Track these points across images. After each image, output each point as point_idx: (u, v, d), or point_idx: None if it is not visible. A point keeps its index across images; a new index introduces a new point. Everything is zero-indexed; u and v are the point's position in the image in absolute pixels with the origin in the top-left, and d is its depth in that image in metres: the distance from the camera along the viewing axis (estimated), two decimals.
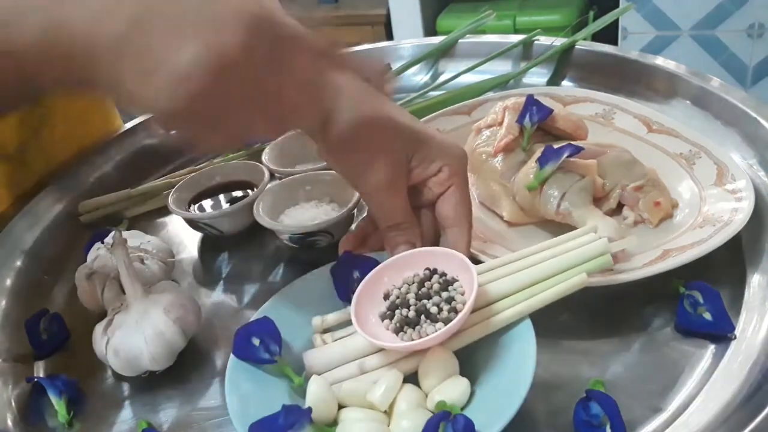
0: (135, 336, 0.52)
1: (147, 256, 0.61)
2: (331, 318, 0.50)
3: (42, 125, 0.78)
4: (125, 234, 0.62)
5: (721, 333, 0.50)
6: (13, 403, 0.55)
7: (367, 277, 0.50)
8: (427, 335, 0.44)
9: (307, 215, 0.65)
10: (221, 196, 0.72)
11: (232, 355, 0.48)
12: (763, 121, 0.65)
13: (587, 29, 0.90)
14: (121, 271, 0.53)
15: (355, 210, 0.63)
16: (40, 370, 0.58)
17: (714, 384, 0.46)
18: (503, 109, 0.66)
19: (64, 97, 0.79)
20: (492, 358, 0.45)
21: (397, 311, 0.46)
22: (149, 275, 0.59)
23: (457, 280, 0.47)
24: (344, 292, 0.51)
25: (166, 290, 0.55)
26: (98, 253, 0.61)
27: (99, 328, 0.54)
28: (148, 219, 0.75)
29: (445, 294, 0.46)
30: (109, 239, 0.61)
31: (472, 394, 0.44)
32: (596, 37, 0.94)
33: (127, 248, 0.54)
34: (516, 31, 1.94)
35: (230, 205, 0.67)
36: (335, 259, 0.53)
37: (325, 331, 0.50)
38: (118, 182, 0.80)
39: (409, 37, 2.07)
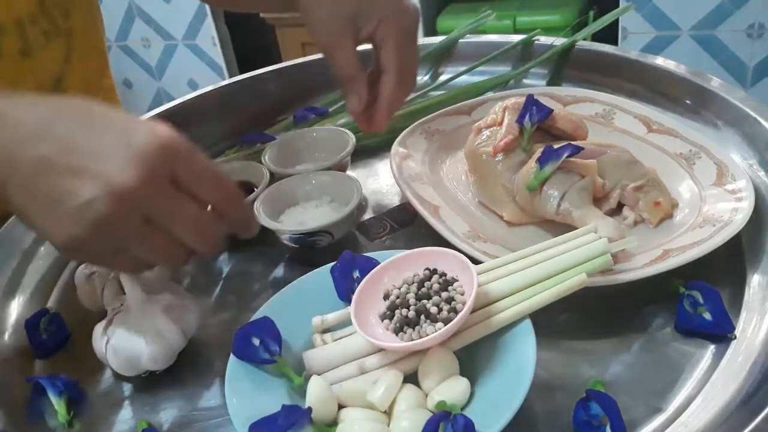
0: (135, 336, 0.52)
1: None
2: (331, 318, 0.50)
3: None
4: None
5: (721, 333, 0.50)
6: (13, 403, 0.55)
7: (367, 277, 0.50)
8: (427, 335, 0.44)
9: (308, 215, 0.65)
10: None
11: (232, 355, 0.48)
12: (763, 121, 0.65)
13: (587, 29, 0.90)
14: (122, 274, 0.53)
15: (356, 210, 0.63)
16: (40, 370, 0.58)
17: (714, 384, 0.46)
18: (503, 109, 0.66)
19: (77, 83, 0.80)
20: (492, 358, 0.45)
21: (397, 311, 0.46)
22: (150, 277, 0.59)
23: (456, 280, 0.47)
24: (344, 292, 0.51)
25: (166, 290, 0.55)
26: None
27: (99, 328, 0.54)
28: None
29: (444, 294, 0.46)
30: None
31: (472, 394, 0.44)
32: (596, 37, 0.94)
33: None
34: (516, 31, 1.94)
35: None
36: (335, 259, 0.53)
37: (325, 331, 0.50)
38: None
39: None
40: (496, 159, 0.63)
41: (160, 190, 0.43)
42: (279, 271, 0.65)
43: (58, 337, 0.60)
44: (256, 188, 0.69)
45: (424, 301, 0.46)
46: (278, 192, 0.67)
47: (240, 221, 0.49)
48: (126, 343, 0.52)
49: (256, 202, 0.65)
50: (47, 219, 0.43)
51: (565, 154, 0.58)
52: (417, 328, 0.45)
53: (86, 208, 0.42)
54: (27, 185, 0.43)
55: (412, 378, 0.46)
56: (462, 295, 0.46)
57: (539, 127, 0.64)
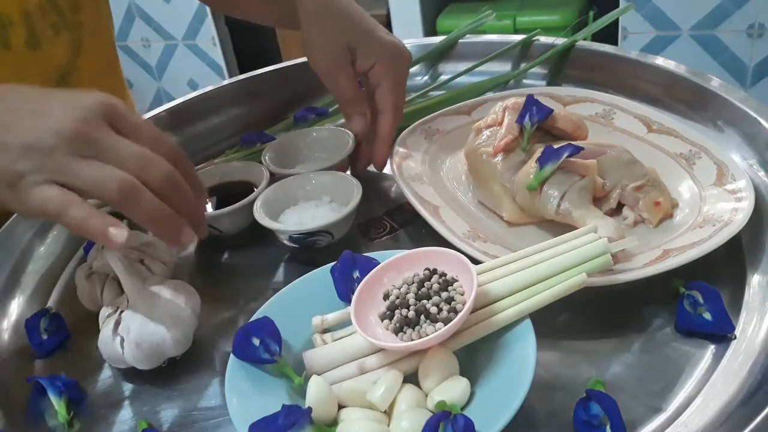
0: (154, 325, 0.52)
1: (146, 256, 0.61)
2: (331, 318, 0.50)
3: None
4: None
5: (721, 333, 0.50)
6: (13, 403, 0.55)
7: (366, 277, 0.50)
8: (427, 335, 0.44)
9: (307, 215, 0.65)
10: (221, 196, 0.72)
11: (232, 355, 0.48)
12: (763, 121, 0.65)
13: (587, 29, 0.90)
14: (117, 269, 0.53)
15: (356, 210, 0.63)
16: (40, 370, 0.58)
17: (714, 384, 0.46)
18: (503, 109, 0.66)
19: (86, 76, 0.81)
20: (492, 358, 0.45)
21: (397, 311, 0.46)
22: (149, 276, 0.59)
23: (456, 280, 0.47)
24: (344, 292, 0.52)
25: (160, 283, 0.56)
26: (98, 253, 0.61)
27: (106, 332, 0.53)
28: None
29: (444, 294, 0.46)
30: None
31: (472, 394, 0.44)
32: (596, 37, 0.94)
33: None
34: (516, 31, 1.94)
35: (230, 205, 0.67)
36: (335, 259, 0.53)
37: (325, 331, 0.50)
38: None
39: (409, 37, 2.06)
40: (496, 159, 0.63)
41: (102, 133, 0.47)
42: (279, 271, 0.65)
43: (58, 337, 0.60)
44: (256, 188, 0.69)
45: (424, 301, 0.46)
46: (278, 192, 0.67)
47: (189, 181, 0.50)
48: (146, 334, 0.52)
49: (256, 202, 0.65)
50: None
51: (565, 154, 0.58)
52: (417, 328, 0.45)
53: (28, 147, 0.46)
54: None
55: (412, 378, 0.46)
56: (462, 295, 0.46)
57: (539, 127, 0.64)
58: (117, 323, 0.53)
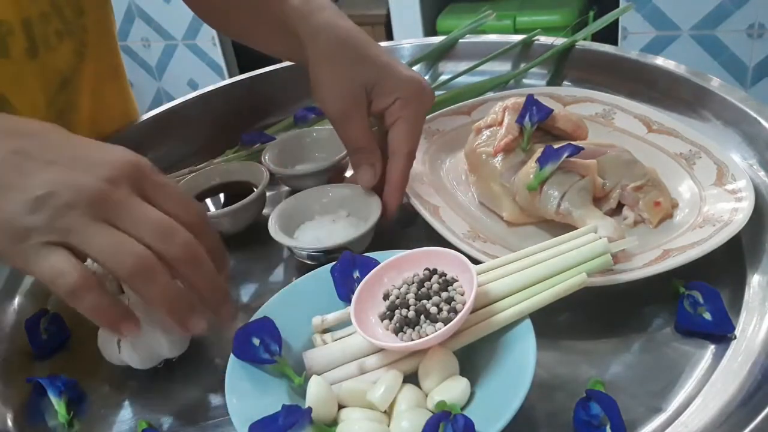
0: (150, 327, 0.51)
1: None
2: (331, 318, 0.50)
3: (69, 108, 0.79)
4: None
5: (721, 333, 0.50)
6: (13, 403, 0.55)
7: (366, 277, 0.50)
8: (427, 335, 0.44)
9: (324, 231, 0.63)
10: (221, 196, 0.72)
11: (232, 355, 0.48)
12: (763, 121, 0.65)
13: (587, 29, 0.90)
14: None
15: (376, 226, 0.61)
16: (40, 370, 0.58)
17: (714, 384, 0.46)
18: (503, 109, 0.66)
19: (89, 81, 0.80)
20: (492, 358, 0.45)
21: (397, 311, 0.46)
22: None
23: (456, 280, 0.47)
24: (344, 292, 0.51)
25: None
26: None
27: (105, 331, 0.53)
28: None
29: (444, 294, 0.46)
30: None
31: (472, 394, 0.44)
32: (596, 37, 0.94)
33: None
34: (516, 31, 1.94)
35: (230, 205, 0.67)
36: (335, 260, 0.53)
37: (325, 331, 0.50)
38: None
39: (409, 37, 2.07)
40: (496, 159, 0.63)
41: (124, 194, 0.44)
42: (279, 271, 0.65)
43: (58, 337, 0.60)
44: (256, 188, 0.69)
45: (424, 301, 0.46)
46: (293, 205, 0.65)
47: (212, 250, 0.47)
48: (143, 336, 0.51)
49: (270, 217, 0.62)
50: (4, 200, 0.44)
51: (565, 154, 0.58)
52: (417, 328, 0.45)
53: (44, 199, 0.43)
54: None
55: (412, 378, 0.46)
56: (462, 295, 0.46)
57: (539, 127, 0.64)
58: None
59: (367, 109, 0.61)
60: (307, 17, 0.63)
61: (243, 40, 0.77)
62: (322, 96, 0.62)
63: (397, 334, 0.46)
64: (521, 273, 0.49)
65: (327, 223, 0.64)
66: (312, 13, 0.63)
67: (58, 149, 0.46)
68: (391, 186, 0.62)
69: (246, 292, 0.63)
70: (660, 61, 0.79)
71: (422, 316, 0.45)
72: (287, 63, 0.96)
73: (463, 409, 0.43)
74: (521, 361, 0.43)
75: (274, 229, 0.61)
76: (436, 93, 0.86)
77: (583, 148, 0.58)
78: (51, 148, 0.46)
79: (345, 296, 0.51)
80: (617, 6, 1.83)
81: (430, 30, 2.10)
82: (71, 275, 0.43)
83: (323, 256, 0.59)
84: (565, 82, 0.85)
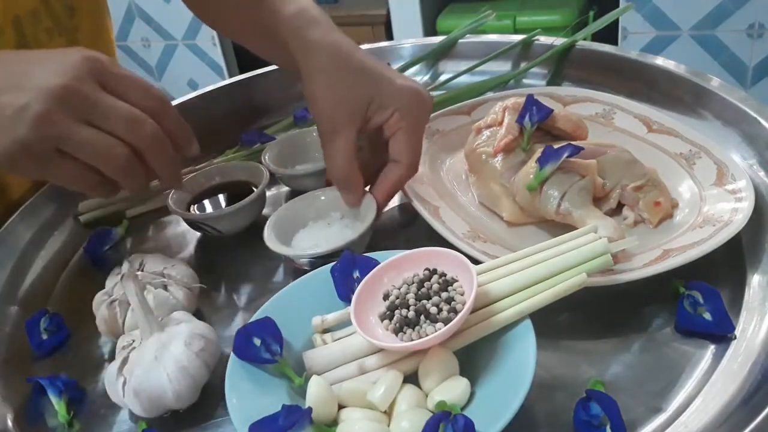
0: (156, 373, 0.48)
1: (171, 283, 0.57)
2: (331, 318, 0.50)
3: None
4: (148, 258, 0.59)
5: (721, 333, 0.50)
6: (13, 403, 0.55)
7: (366, 277, 0.50)
8: (427, 335, 0.44)
9: (320, 235, 0.62)
10: (221, 196, 0.72)
11: (232, 355, 0.48)
12: (763, 121, 0.65)
13: (587, 29, 0.90)
14: (133, 304, 0.50)
15: (372, 225, 0.61)
16: (40, 370, 0.58)
17: (714, 384, 0.46)
18: (503, 109, 0.66)
19: None
20: (492, 358, 0.45)
21: (397, 311, 0.46)
22: (174, 303, 0.56)
23: (456, 280, 0.47)
24: (344, 292, 0.51)
25: (182, 321, 0.52)
26: (117, 279, 0.57)
27: (112, 368, 0.50)
28: (148, 219, 0.75)
29: (444, 294, 0.46)
30: (125, 268, 0.58)
31: (472, 394, 0.44)
32: (596, 37, 0.94)
33: (138, 280, 0.51)
34: (516, 31, 1.94)
35: (230, 205, 0.67)
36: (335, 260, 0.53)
37: (325, 331, 0.50)
38: None
39: (409, 37, 2.07)
40: (496, 159, 0.63)
41: (90, 89, 0.49)
42: (279, 271, 0.65)
43: (58, 337, 0.60)
44: (256, 188, 0.69)
45: (424, 301, 0.46)
46: (287, 214, 0.64)
47: (175, 129, 0.53)
48: (147, 382, 0.48)
49: (266, 227, 0.61)
50: None
51: (565, 154, 0.58)
52: (417, 328, 0.45)
53: (24, 110, 0.47)
54: None
55: (412, 378, 0.46)
56: (462, 295, 0.46)
57: (539, 127, 0.64)
58: (124, 362, 0.50)
59: (361, 127, 0.60)
60: (299, 32, 0.61)
61: (238, 42, 0.77)
62: (316, 111, 0.61)
63: (397, 335, 0.46)
64: (521, 273, 0.49)
65: (322, 228, 0.63)
66: (304, 28, 0.61)
67: (19, 63, 0.51)
68: (381, 187, 0.62)
69: (246, 292, 0.63)
70: (660, 61, 0.79)
71: (422, 316, 0.45)
72: None
73: (463, 409, 0.43)
74: (521, 361, 0.43)
75: (271, 240, 0.60)
76: (436, 93, 0.86)
77: (583, 148, 0.58)
78: (11, 63, 0.51)
79: (345, 296, 0.51)
80: (617, 6, 1.83)
81: (430, 30, 2.09)
82: (83, 179, 0.51)
83: (323, 261, 0.57)
84: (565, 82, 0.85)
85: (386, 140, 0.61)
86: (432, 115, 0.75)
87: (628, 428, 0.44)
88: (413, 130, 0.60)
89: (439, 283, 0.47)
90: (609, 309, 0.53)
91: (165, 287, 0.57)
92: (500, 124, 0.65)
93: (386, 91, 0.59)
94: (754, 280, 0.54)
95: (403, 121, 0.59)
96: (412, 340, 0.45)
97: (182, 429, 0.50)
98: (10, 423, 0.53)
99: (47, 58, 0.51)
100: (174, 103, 0.91)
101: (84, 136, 0.49)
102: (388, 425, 0.43)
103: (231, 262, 0.67)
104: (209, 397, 0.52)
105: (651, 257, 0.54)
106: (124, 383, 0.49)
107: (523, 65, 0.89)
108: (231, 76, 2.09)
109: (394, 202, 0.70)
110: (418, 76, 0.94)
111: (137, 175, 0.52)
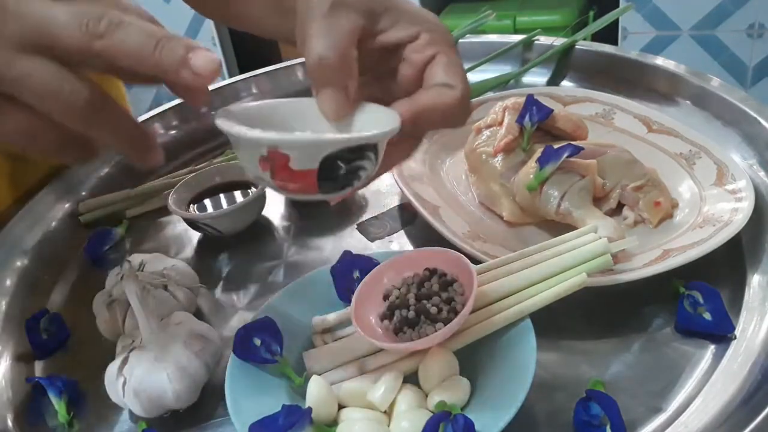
0: (156, 374, 0.48)
1: (171, 282, 0.57)
2: (331, 318, 0.50)
3: None
4: (147, 258, 0.59)
5: (721, 333, 0.50)
6: (13, 403, 0.55)
7: (366, 277, 0.50)
8: (427, 335, 0.44)
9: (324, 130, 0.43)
10: (221, 196, 0.72)
11: (232, 355, 0.48)
12: (763, 121, 0.65)
13: (587, 29, 0.90)
14: (133, 305, 0.49)
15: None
16: (40, 370, 0.58)
17: (714, 384, 0.46)
18: (503, 109, 0.66)
19: None
20: (492, 358, 0.45)
21: (397, 311, 0.46)
22: (174, 303, 0.56)
23: (456, 280, 0.47)
24: (344, 292, 0.51)
25: (183, 322, 0.52)
26: (117, 279, 0.57)
27: (112, 368, 0.50)
28: (148, 219, 0.75)
29: (444, 294, 0.46)
30: (125, 268, 0.57)
31: (472, 394, 0.44)
32: (596, 37, 0.94)
33: (138, 280, 0.50)
34: (516, 31, 1.94)
35: (230, 205, 0.67)
36: (335, 259, 0.53)
37: (325, 331, 0.50)
38: (118, 182, 0.80)
39: None
40: (496, 159, 0.63)
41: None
42: (279, 272, 0.65)
43: (58, 337, 0.60)
44: (256, 188, 0.69)
45: (424, 301, 0.46)
46: (252, 114, 0.43)
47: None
48: (147, 383, 0.48)
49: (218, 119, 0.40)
50: None
51: (565, 154, 0.58)
52: (417, 328, 0.45)
53: None
54: None
55: (412, 378, 0.46)
56: (462, 295, 0.46)
57: (539, 127, 0.64)
58: (124, 362, 0.50)
59: (368, 34, 0.44)
60: None
61: (237, 23, 0.60)
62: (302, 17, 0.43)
63: (397, 335, 0.46)
64: (521, 273, 0.49)
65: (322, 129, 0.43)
66: None
67: None
68: (413, 102, 0.42)
69: (246, 292, 0.63)
70: (660, 61, 0.79)
71: (422, 316, 0.45)
72: (287, 63, 0.96)
73: (463, 409, 0.43)
74: (521, 361, 0.43)
75: (237, 128, 0.38)
76: None
77: (583, 148, 0.58)
78: None
79: (345, 296, 0.51)
80: (617, 6, 1.83)
81: None
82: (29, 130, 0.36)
83: (349, 160, 0.38)
84: (565, 82, 0.85)
85: (395, 67, 0.45)
86: None
87: (628, 428, 0.44)
88: (455, 58, 0.44)
89: (439, 283, 0.47)
90: (609, 309, 0.53)
91: (165, 287, 0.57)
92: (500, 124, 0.65)
93: (405, 8, 0.45)
94: (754, 280, 0.54)
95: (439, 45, 0.44)
96: (412, 340, 0.45)
97: (182, 429, 0.50)
98: (10, 423, 0.53)
99: None
100: (174, 103, 0.91)
101: (27, 66, 0.34)
102: (388, 425, 0.43)
103: (231, 262, 0.67)
104: (209, 397, 0.52)
105: (651, 257, 0.54)
106: (124, 383, 0.49)
107: (523, 65, 0.89)
108: (231, 76, 2.09)
109: (394, 201, 0.70)
110: None
111: (109, 124, 0.37)
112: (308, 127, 0.42)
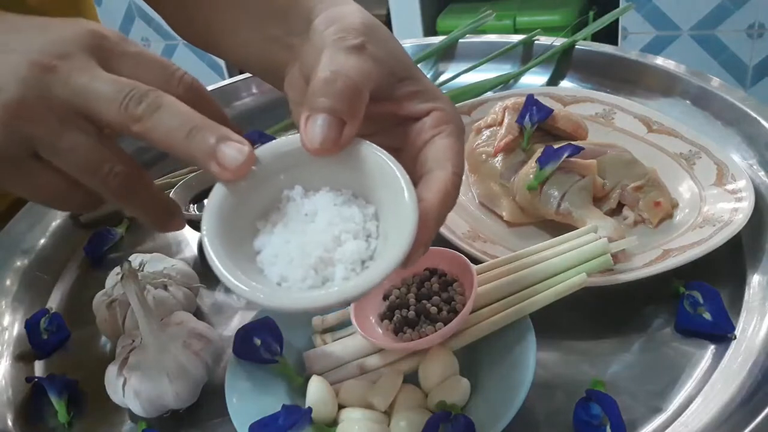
0: (156, 374, 0.48)
1: (171, 283, 0.57)
2: (331, 318, 0.50)
3: None
4: (147, 258, 0.59)
5: (721, 333, 0.50)
6: (13, 403, 0.55)
7: None
8: (427, 335, 0.44)
9: (294, 245, 0.37)
10: None
11: (232, 355, 0.48)
12: (763, 121, 0.65)
13: (587, 29, 0.90)
14: (133, 305, 0.49)
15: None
16: (40, 370, 0.58)
17: (714, 384, 0.46)
18: (503, 109, 0.66)
19: None
20: (492, 358, 0.45)
21: (397, 311, 0.46)
22: (174, 303, 0.56)
23: (456, 280, 0.47)
24: None
25: (183, 321, 0.52)
26: (117, 279, 0.57)
27: (113, 369, 0.50)
28: None
29: (444, 294, 0.46)
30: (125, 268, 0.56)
31: (472, 394, 0.44)
32: (596, 37, 0.94)
33: (138, 280, 0.50)
34: (516, 31, 1.94)
35: None
36: None
37: (325, 331, 0.50)
38: None
39: (409, 37, 2.06)
40: (496, 159, 0.63)
41: (88, 75, 0.36)
42: None
43: (58, 337, 0.60)
44: None
45: (424, 301, 0.46)
46: (233, 202, 0.40)
47: (209, 102, 0.40)
48: (147, 383, 0.48)
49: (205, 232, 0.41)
50: None
51: (565, 154, 0.58)
52: (417, 328, 0.45)
53: None
54: None
55: (412, 378, 0.46)
56: (462, 295, 0.46)
57: (539, 127, 0.64)
58: (124, 362, 0.50)
59: (383, 94, 0.41)
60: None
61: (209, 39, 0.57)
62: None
63: (397, 334, 0.46)
64: (521, 273, 0.49)
65: (300, 224, 0.37)
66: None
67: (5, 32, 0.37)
68: (427, 203, 0.37)
69: None
70: (660, 61, 0.79)
71: (422, 316, 0.45)
72: None
73: (463, 409, 0.43)
74: (521, 361, 0.43)
75: (225, 266, 0.39)
76: None
77: (583, 148, 0.58)
78: None
79: None
80: (617, 6, 1.83)
81: (430, 30, 2.09)
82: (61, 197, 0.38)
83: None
84: (565, 82, 0.85)
85: (411, 147, 0.41)
86: None
87: (628, 428, 0.44)
88: (459, 140, 0.41)
89: (439, 283, 0.47)
90: (609, 309, 0.53)
91: (165, 287, 0.57)
92: (500, 124, 0.65)
93: (424, 82, 0.42)
94: (754, 280, 0.54)
95: (446, 125, 0.41)
96: (412, 340, 0.45)
97: (182, 429, 0.50)
98: (10, 423, 0.53)
99: (39, 26, 0.37)
100: None
101: (71, 139, 0.36)
102: (388, 425, 0.43)
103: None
104: (209, 397, 0.52)
105: (651, 257, 0.54)
106: (124, 383, 0.49)
107: (523, 65, 0.89)
108: (231, 76, 2.09)
109: None
110: None
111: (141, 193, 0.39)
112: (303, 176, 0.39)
